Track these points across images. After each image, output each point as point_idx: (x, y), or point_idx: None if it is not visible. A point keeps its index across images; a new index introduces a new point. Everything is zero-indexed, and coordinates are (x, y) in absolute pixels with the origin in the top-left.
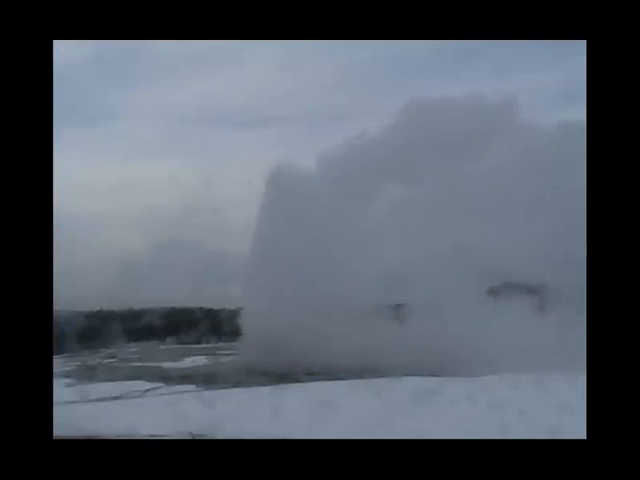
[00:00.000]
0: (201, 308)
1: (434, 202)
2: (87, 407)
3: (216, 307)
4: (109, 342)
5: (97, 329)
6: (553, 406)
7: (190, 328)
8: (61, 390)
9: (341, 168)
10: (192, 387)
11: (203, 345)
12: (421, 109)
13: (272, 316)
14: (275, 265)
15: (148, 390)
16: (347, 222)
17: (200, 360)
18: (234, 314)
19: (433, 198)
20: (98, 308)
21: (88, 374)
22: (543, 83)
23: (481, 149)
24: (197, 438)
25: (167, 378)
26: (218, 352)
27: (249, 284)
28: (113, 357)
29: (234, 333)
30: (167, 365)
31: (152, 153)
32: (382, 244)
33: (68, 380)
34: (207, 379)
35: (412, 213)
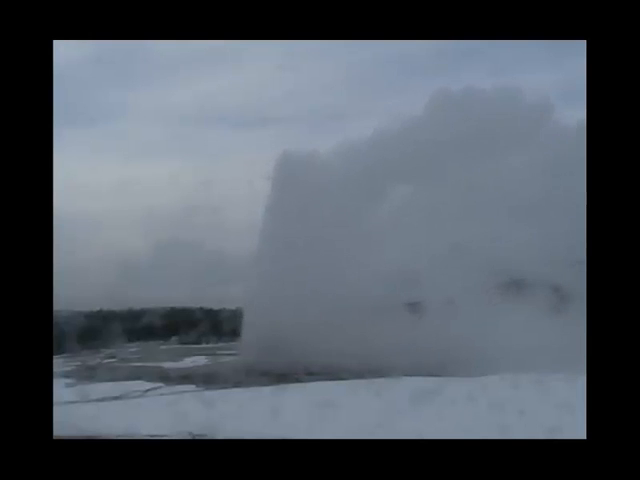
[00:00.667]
0: (201, 308)
1: (450, 201)
2: (87, 407)
3: (216, 307)
4: (109, 342)
5: (97, 329)
6: (553, 406)
7: (190, 328)
8: (61, 390)
9: (355, 163)
10: (192, 387)
11: (203, 345)
12: (446, 102)
13: (272, 316)
14: (277, 264)
15: (148, 390)
16: (355, 220)
17: (200, 360)
18: (234, 314)
19: (450, 197)
20: (98, 308)
21: (88, 374)
22: (543, 83)
23: (505, 146)
24: (197, 438)
25: (167, 378)
26: (218, 352)
27: (250, 283)
28: (113, 357)
29: (234, 333)
30: (167, 365)
31: (152, 153)
32: (389, 243)
33: (68, 380)
34: (207, 379)
35: (423, 212)
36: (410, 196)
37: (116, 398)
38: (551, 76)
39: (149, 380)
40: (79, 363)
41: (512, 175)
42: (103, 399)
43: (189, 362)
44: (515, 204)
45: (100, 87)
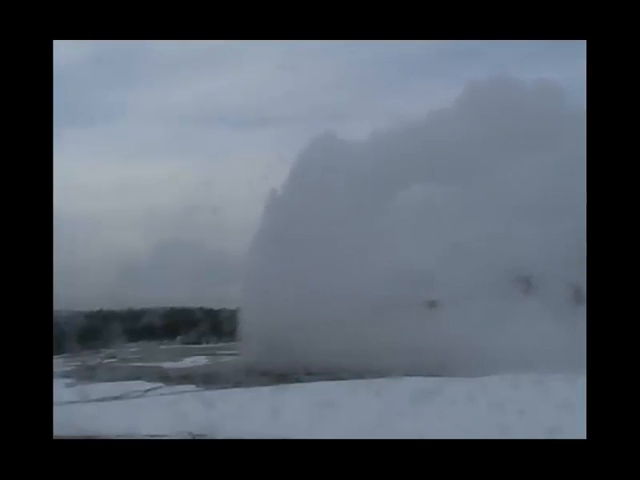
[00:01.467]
0: (201, 308)
1: (471, 199)
2: (87, 407)
3: (216, 307)
4: (109, 342)
5: (97, 329)
6: (553, 406)
7: (190, 328)
8: (61, 390)
9: (374, 158)
10: (192, 387)
11: (203, 345)
12: (478, 95)
13: (273, 316)
14: (276, 263)
15: (148, 390)
16: (362, 218)
17: (200, 360)
18: (234, 314)
19: (472, 195)
20: (98, 308)
21: (88, 374)
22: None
23: (535, 143)
24: (197, 438)
25: (167, 378)
26: (218, 352)
27: (249, 283)
28: (113, 357)
29: (234, 333)
30: (167, 365)
31: (152, 153)
32: (395, 242)
33: (68, 380)
34: (207, 379)
35: (435, 211)
36: (426, 195)
37: (116, 398)
38: (551, 76)
39: (149, 380)
40: (79, 363)
41: (540, 174)
42: (103, 399)
43: (189, 362)
44: (541, 204)
45: (100, 87)
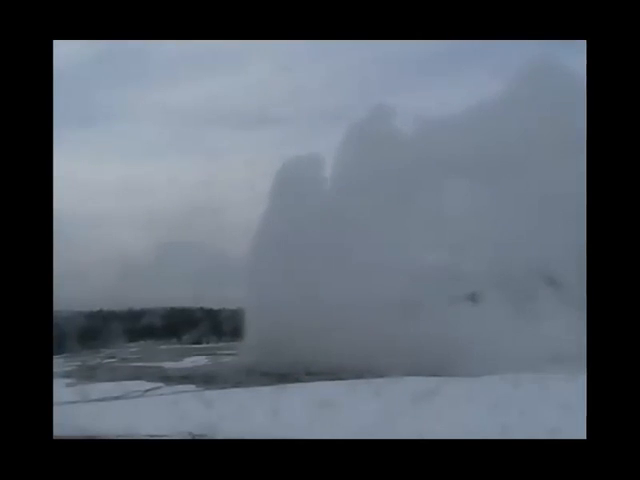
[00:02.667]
0: (201, 308)
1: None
2: (87, 407)
3: (216, 307)
4: (109, 342)
5: (97, 329)
6: (553, 406)
7: (190, 328)
8: (61, 390)
9: (402, 152)
10: (192, 387)
11: (203, 345)
12: (530, 82)
13: (273, 316)
14: (276, 264)
15: (148, 390)
16: (371, 217)
17: (200, 360)
18: (234, 314)
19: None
20: (98, 308)
21: (88, 374)
22: None
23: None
24: (197, 438)
25: (167, 378)
26: (218, 352)
27: (250, 283)
28: (113, 357)
29: (234, 333)
30: (167, 365)
31: (152, 153)
32: (399, 241)
33: (68, 380)
34: (207, 379)
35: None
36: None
37: (116, 398)
38: None
39: (149, 380)
40: (79, 363)
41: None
42: (103, 399)
43: (189, 362)
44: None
45: (100, 87)
